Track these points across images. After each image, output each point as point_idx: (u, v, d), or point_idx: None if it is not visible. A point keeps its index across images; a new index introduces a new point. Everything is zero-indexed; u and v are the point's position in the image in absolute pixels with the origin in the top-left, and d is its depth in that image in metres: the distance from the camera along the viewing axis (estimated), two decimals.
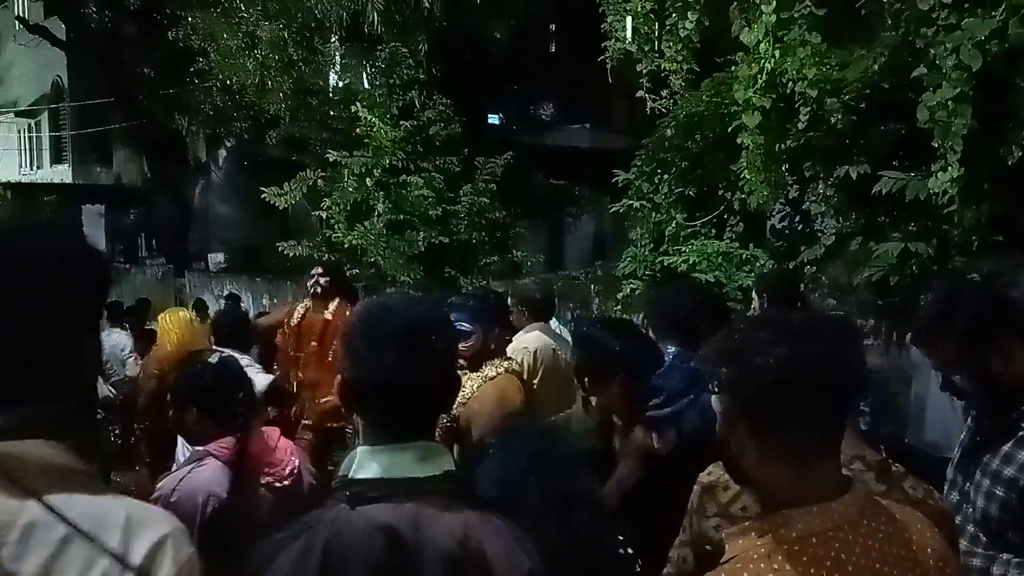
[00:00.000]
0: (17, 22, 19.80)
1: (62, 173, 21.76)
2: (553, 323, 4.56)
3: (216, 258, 15.08)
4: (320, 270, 4.98)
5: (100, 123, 17.75)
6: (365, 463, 1.39)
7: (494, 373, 3.12)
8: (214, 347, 3.57)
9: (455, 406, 2.91)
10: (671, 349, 2.65)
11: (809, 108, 5.00)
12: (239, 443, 2.44)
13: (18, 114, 22.98)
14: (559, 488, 1.53)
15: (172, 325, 4.89)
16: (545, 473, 1.53)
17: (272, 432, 2.62)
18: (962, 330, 1.97)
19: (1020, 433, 1.94)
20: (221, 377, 2.55)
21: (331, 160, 9.41)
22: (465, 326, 3.04)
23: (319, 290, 4.86)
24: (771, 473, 1.28)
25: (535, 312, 4.30)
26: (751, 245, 5.82)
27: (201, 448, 2.47)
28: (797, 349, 1.26)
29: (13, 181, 21.27)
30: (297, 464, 2.54)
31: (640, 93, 6.33)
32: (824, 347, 1.28)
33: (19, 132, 23.66)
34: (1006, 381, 1.95)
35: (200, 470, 2.41)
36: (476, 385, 3.06)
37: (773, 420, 1.26)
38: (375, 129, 9.13)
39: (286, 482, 2.48)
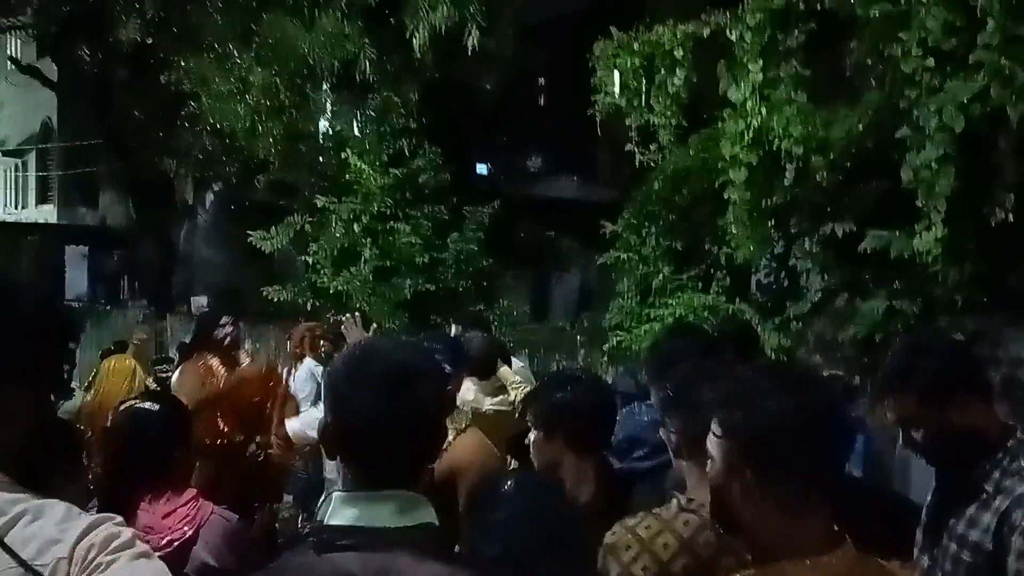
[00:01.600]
0: (9, 62, 19.92)
1: (47, 213, 21.71)
2: (518, 365, 4.57)
3: (199, 301, 14.92)
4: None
5: (88, 164, 17.78)
6: (339, 509, 1.36)
7: (463, 425, 3.01)
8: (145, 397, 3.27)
9: None
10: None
11: (795, 165, 5.07)
12: (128, 502, 2.26)
13: (5, 153, 23.02)
14: (561, 541, 1.51)
15: (111, 373, 4.82)
16: (549, 526, 1.51)
17: (184, 494, 2.39)
18: (921, 386, 1.92)
19: (983, 496, 1.89)
20: (120, 430, 2.38)
21: (319, 205, 9.43)
22: (447, 368, 2.96)
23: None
24: (767, 522, 1.27)
25: (473, 369, 4.00)
26: (737, 299, 5.85)
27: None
28: (806, 399, 1.28)
29: None
30: (187, 535, 2.29)
31: (628, 146, 6.39)
32: (829, 399, 1.30)
33: (5, 171, 23.68)
34: (967, 438, 1.91)
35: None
36: (450, 438, 2.97)
37: (778, 466, 1.26)
38: (364, 176, 9.18)
39: (158, 553, 2.28)
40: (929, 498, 2.10)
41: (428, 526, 1.36)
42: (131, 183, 16.39)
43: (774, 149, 5.17)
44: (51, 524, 1.08)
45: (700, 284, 6.07)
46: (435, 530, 1.37)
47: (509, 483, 1.68)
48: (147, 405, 2.48)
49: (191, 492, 2.39)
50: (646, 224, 6.46)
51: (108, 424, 2.43)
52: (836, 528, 1.31)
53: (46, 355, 1.19)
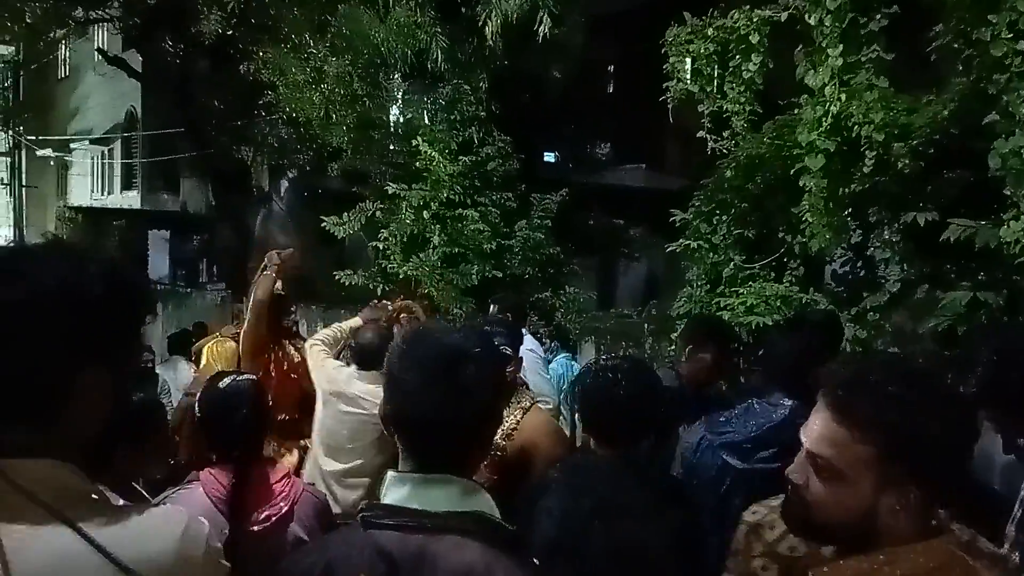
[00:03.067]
0: (97, 53, 20.65)
1: (131, 199, 22.51)
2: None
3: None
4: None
5: (170, 152, 18.35)
6: (392, 488, 1.38)
7: (528, 403, 3.02)
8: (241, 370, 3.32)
9: (497, 437, 2.84)
10: (786, 401, 2.46)
11: (875, 153, 4.91)
12: (233, 475, 2.30)
13: (93, 141, 23.91)
14: (625, 535, 1.47)
15: (217, 357, 4.94)
16: (612, 518, 1.48)
17: (278, 470, 2.45)
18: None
19: None
20: (222, 400, 2.41)
21: (390, 192, 9.54)
22: (507, 349, 2.94)
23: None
24: (885, 515, 1.22)
25: (358, 359, 3.93)
26: (811, 289, 5.71)
27: (196, 472, 2.38)
28: (959, 406, 1.22)
29: (85, 205, 22.09)
30: (283, 512, 2.33)
31: (701, 134, 6.29)
32: (969, 404, 1.26)
33: (92, 159, 24.60)
34: None
35: (180, 495, 2.30)
36: (518, 416, 2.97)
37: (931, 469, 1.20)
38: (434, 163, 9.25)
39: (255, 527, 2.28)
40: (1022, 493, 2.03)
41: (476, 515, 1.34)
42: (210, 170, 16.87)
43: (853, 136, 5.01)
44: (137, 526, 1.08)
45: (772, 274, 5.94)
46: (484, 519, 1.35)
47: (567, 467, 1.66)
48: (246, 377, 2.56)
49: (283, 468, 2.46)
50: (717, 212, 6.35)
51: (209, 396, 2.48)
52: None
53: (115, 333, 1.13)
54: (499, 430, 2.86)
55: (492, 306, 5.53)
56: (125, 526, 1.07)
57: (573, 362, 6.36)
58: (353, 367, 3.83)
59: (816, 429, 1.31)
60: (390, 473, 1.40)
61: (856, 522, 1.23)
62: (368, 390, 3.67)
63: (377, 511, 1.36)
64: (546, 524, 1.44)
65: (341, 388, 3.76)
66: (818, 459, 1.28)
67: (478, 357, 1.42)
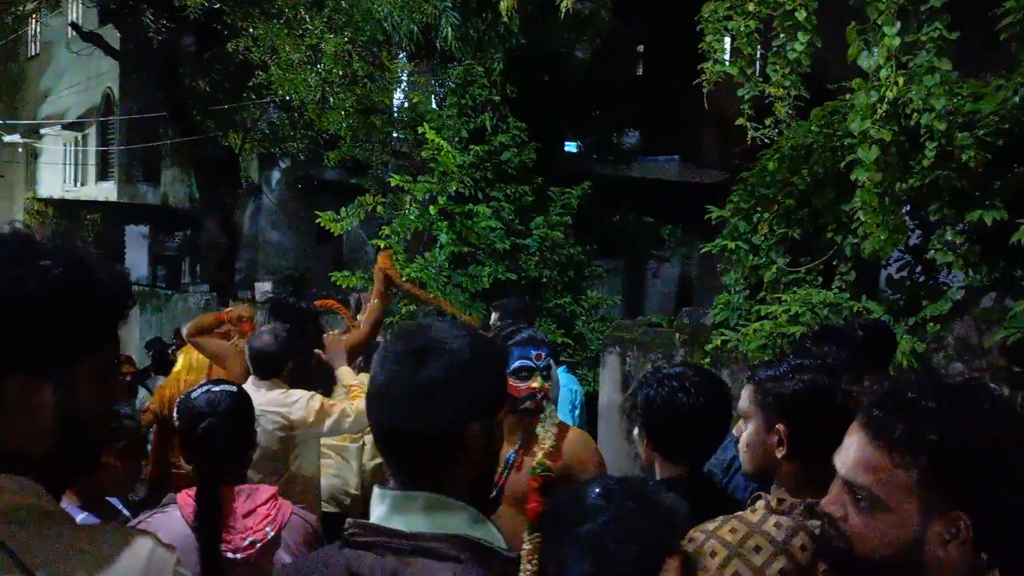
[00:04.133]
0: (70, 29, 20.83)
1: (107, 191, 22.71)
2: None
3: (264, 287, 15.41)
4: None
5: (150, 139, 18.51)
6: (374, 505, 1.42)
7: (555, 420, 3.09)
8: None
9: (540, 456, 2.87)
10: None
11: (936, 143, 4.88)
12: (204, 496, 2.34)
13: (65, 127, 24.11)
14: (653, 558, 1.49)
15: (187, 367, 4.99)
16: (640, 542, 1.49)
17: (263, 491, 2.48)
18: None
19: None
20: (199, 412, 2.45)
21: (393, 185, 9.58)
22: (543, 360, 2.97)
23: None
24: (933, 548, 1.21)
25: (254, 366, 3.91)
26: (863, 296, 5.67)
27: (173, 494, 2.41)
28: (1010, 421, 1.21)
29: (55, 197, 22.30)
30: (269, 537, 2.36)
31: (740, 121, 6.28)
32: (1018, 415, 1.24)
33: (65, 146, 24.81)
34: None
35: (155, 518, 2.34)
36: (554, 433, 3.00)
37: (981, 493, 1.19)
38: (442, 153, 9.29)
39: (239, 555, 2.31)
40: None
41: (456, 537, 1.34)
42: (195, 160, 17.00)
43: (912, 124, 4.99)
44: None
45: (820, 278, 5.91)
46: (468, 541, 1.35)
47: (599, 489, 1.67)
48: (225, 387, 2.58)
49: (269, 490, 2.48)
50: (758, 209, 6.32)
51: (182, 409, 2.52)
52: None
53: (56, 337, 1.11)
54: (538, 449, 2.91)
55: (493, 312, 5.51)
56: (78, 549, 1.07)
57: (572, 375, 6.38)
58: (252, 378, 3.82)
59: (851, 454, 1.30)
60: (375, 488, 1.43)
61: (901, 557, 1.22)
62: (269, 400, 3.67)
63: (358, 529, 1.39)
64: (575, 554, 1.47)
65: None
66: (855, 487, 1.28)
67: (451, 352, 1.38)
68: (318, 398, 3.83)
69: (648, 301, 12.49)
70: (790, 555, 1.72)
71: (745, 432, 1.96)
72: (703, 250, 6.69)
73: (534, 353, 2.93)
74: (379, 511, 1.39)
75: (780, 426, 1.86)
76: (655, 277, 12.84)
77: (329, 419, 3.77)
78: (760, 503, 1.85)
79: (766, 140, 6.23)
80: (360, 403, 3.93)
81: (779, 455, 1.86)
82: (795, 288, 5.89)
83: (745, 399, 1.98)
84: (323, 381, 4.17)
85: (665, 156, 13.55)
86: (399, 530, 1.35)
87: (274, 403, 3.67)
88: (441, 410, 1.36)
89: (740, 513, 1.85)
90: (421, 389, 1.36)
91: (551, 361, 3.00)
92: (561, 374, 6.13)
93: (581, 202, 9.67)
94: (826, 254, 5.99)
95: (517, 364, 2.86)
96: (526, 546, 2.82)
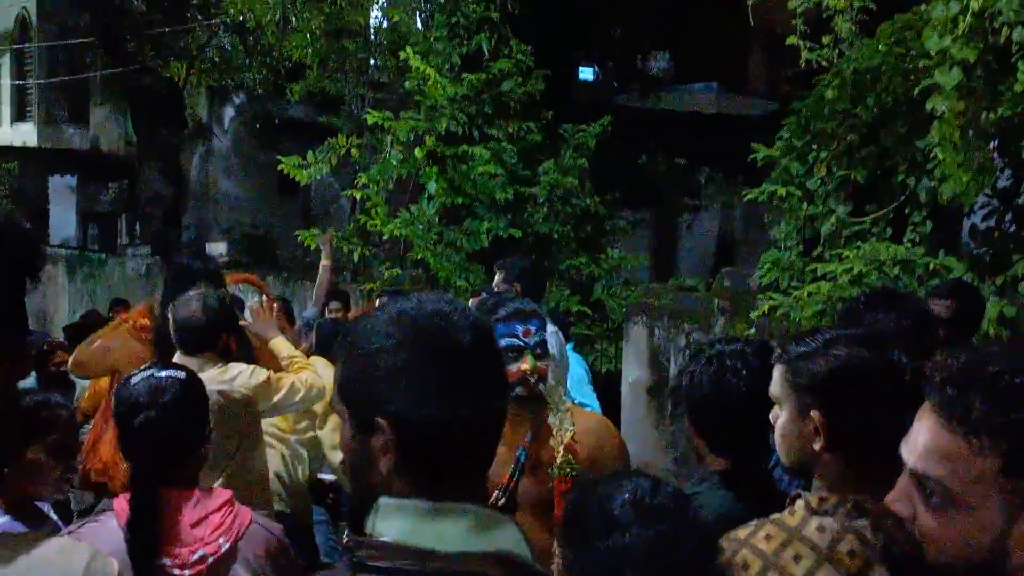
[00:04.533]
0: None
1: (24, 134, 22.65)
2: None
3: (217, 249, 15.45)
4: None
5: (76, 71, 18.44)
6: (386, 519, 1.38)
7: (568, 404, 3.12)
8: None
9: (561, 452, 2.90)
10: None
11: None
12: (138, 499, 2.36)
13: None
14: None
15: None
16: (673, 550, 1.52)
17: (213, 497, 2.50)
18: None
19: None
20: (136, 401, 2.47)
21: (370, 123, 9.55)
22: (534, 336, 2.98)
23: None
24: (1021, 549, 1.23)
25: (181, 341, 3.94)
26: (941, 251, 5.68)
27: (109, 500, 2.46)
28: None
29: None
30: (222, 551, 2.39)
31: (791, 40, 6.25)
32: None
33: None
34: None
35: (88, 528, 2.36)
36: (570, 419, 3.02)
37: None
38: (429, 83, 9.24)
39: (186, 572, 2.34)
40: None
41: (500, 555, 1.35)
42: (130, 95, 16.95)
43: (1001, 41, 4.96)
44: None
45: (889, 230, 5.92)
46: (511, 560, 1.36)
47: (626, 495, 1.71)
48: (171, 373, 2.58)
49: (223, 495, 2.49)
50: (814, 147, 6.31)
51: (118, 398, 2.52)
52: None
53: None
54: (554, 443, 2.92)
55: (497, 273, 5.50)
56: (6, 562, 1.09)
57: (577, 353, 6.42)
58: (177, 355, 3.83)
59: (921, 441, 1.30)
60: (383, 500, 1.41)
61: (983, 560, 1.23)
62: (205, 379, 3.68)
63: (369, 549, 1.36)
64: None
65: None
66: (926, 481, 1.28)
67: (495, 338, 1.45)
68: (261, 370, 3.86)
69: (681, 260, 12.50)
70: (837, 563, 1.73)
71: (779, 421, 1.97)
72: (747, 197, 6.70)
73: (521, 329, 2.89)
74: (397, 526, 1.36)
75: (815, 412, 1.86)
76: (689, 231, 12.84)
77: (278, 394, 3.80)
78: (799, 503, 1.86)
79: (823, 63, 6.20)
80: (307, 374, 4.00)
81: (816, 447, 1.87)
82: (859, 242, 5.89)
83: (776, 381, 1.98)
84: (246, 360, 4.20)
85: (701, 84, 13.47)
86: (431, 549, 1.34)
87: (211, 381, 3.68)
88: (494, 402, 1.43)
89: (776, 516, 1.86)
90: (493, 384, 1.43)
91: (544, 335, 2.98)
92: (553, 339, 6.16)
93: (599, 141, 9.62)
94: (896, 201, 5.99)
95: (502, 344, 2.83)
96: (558, 560, 2.85)
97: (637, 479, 1.80)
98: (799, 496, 1.88)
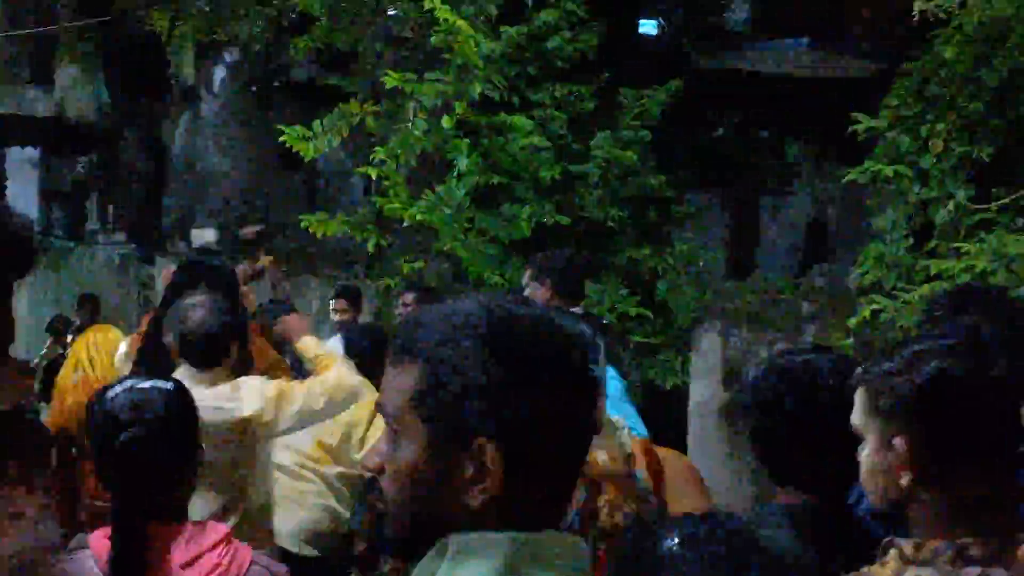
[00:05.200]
0: None
1: None
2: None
3: (204, 235, 15.56)
4: None
5: (39, 23, 18.66)
6: (468, 559, 1.38)
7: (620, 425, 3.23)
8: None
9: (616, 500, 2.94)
10: None
11: None
12: (120, 535, 2.40)
13: None
14: None
15: (93, 352, 5.11)
16: None
17: (208, 532, 2.54)
18: None
19: None
20: (113, 419, 2.50)
21: (389, 87, 9.59)
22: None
23: None
24: None
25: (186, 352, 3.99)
26: None
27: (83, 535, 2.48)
28: None
29: None
30: None
31: None
32: None
33: None
34: None
35: (60, 571, 2.37)
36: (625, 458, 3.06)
37: None
38: (461, 38, 9.26)
39: None
40: None
41: None
42: (103, 52, 17.10)
43: None
44: None
45: (1020, 219, 5.89)
46: None
47: (678, 537, 1.73)
48: (156, 383, 2.61)
49: (220, 530, 2.52)
50: (928, 118, 6.31)
51: (94, 415, 2.56)
52: None
53: None
54: (613, 487, 2.97)
55: (527, 270, 5.44)
56: None
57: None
58: (184, 367, 3.89)
59: None
60: (460, 538, 1.41)
61: None
62: (216, 396, 3.76)
63: None
64: None
65: None
66: None
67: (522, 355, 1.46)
68: (273, 381, 3.93)
69: (763, 254, 12.46)
70: None
71: (863, 453, 1.97)
72: (846, 178, 6.71)
73: None
74: (487, 566, 1.37)
75: (899, 440, 1.86)
76: (773, 219, 12.78)
77: (293, 406, 3.85)
78: (892, 552, 1.86)
79: (941, 15, 6.16)
80: (331, 374, 4.02)
81: (904, 482, 1.86)
82: (982, 233, 5.86)
83: (857, 407, 1.98)
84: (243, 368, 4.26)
85: (790, 39, 13.41)
86: None
87: (221, 399, 3.74)
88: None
89: (865, 570, 1.87)
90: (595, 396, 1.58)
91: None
92: None
93: (666, 109, 9.64)
94: None
95: None
96: None
97: (689, 518, 1.81)
98: (892, 543, 1.88)
